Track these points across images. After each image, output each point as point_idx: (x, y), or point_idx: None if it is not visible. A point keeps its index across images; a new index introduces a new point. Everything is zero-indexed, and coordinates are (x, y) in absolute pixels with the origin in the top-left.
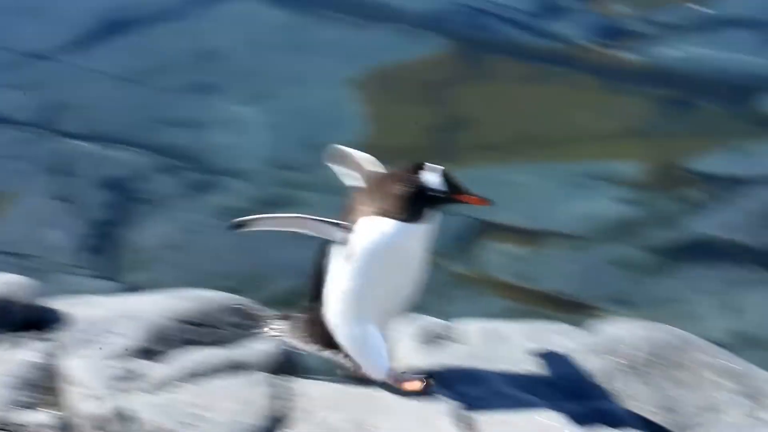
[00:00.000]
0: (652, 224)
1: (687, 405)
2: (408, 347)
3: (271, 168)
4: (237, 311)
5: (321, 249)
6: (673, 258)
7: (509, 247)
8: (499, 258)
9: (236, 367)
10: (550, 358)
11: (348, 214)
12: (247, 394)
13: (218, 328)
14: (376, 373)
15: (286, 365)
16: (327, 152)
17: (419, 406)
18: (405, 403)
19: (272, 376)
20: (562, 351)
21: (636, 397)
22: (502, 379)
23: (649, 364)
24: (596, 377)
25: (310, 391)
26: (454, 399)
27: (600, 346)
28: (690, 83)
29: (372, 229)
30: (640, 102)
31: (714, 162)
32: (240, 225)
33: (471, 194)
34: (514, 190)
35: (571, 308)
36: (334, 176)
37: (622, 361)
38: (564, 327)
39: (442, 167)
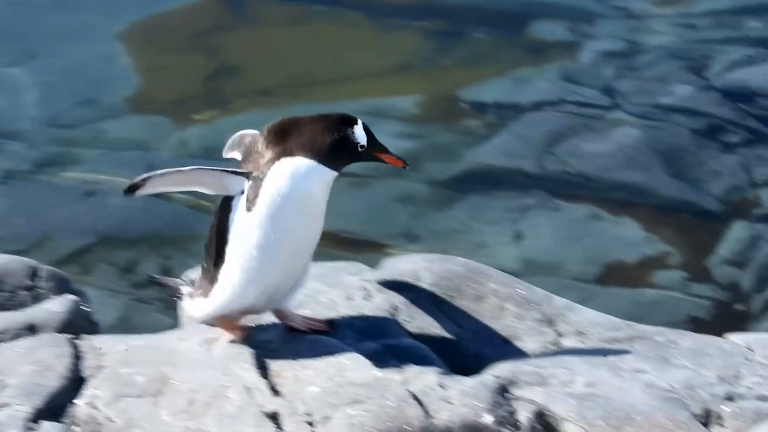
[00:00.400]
0: (433, 157)
1: (486, 336)
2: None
3: (46, 127)
4: (28, 273)
5: (220, 206)
6: (456, 189)
7: None
8: None
9: (33, 330)
10: (344, 298)
11: (247, 162)
12: (46, 356)
13: (10, 292)
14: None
15: (84, 324)
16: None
17: (220, 356)
18: (206, 354)
19: (71, 336)
20: (354, 290)
21: (431, 330)
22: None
23: (443, 297)
24: (391, 314)
25: (109, 349)
26: (254, 347)
27: (392, 282)
28: (460, 14)
29: (288, 169)
30: (413, 36)
31: (490, 91)
32: (133, 188)
33: (390, 153)
34: None
35: (359, 247)
36: (111, 131)
37: (416, 296)
38: (354, 266)
39: (364, 122)
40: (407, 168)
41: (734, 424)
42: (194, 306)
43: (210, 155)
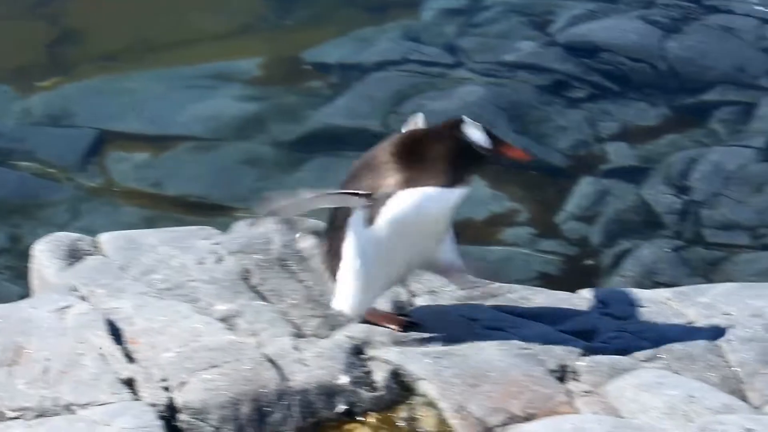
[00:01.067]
0: (278, 119)
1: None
2: (50, 266)
3: None
4: None
5: (337, 216)
6: (302, 151)
7: (137, 156)
8: (127, 168)
9: None
10: (196, 262)
11: (370, 182)
12: None
13: None
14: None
15: None
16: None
17: (74, 324)
18: (59, 323)
19: None
20: (206, 254)
21: (283, 292)
22: (152, 289)
23: (293, 259)
24: (242, 277)
25: None
26: (107, 314)
27: (242, 245)
28: None
29: (415, 199)
30: None
31: (333, 51)
32: (270, 213)
33: (514, 147)
34: (135, 97)
35: (207, 211)
36: None
37: (265, 258)
38: (204, 230)
39: (479, 122)
40: (533, 159)
41: (590, 379)
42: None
43: (55, 122)
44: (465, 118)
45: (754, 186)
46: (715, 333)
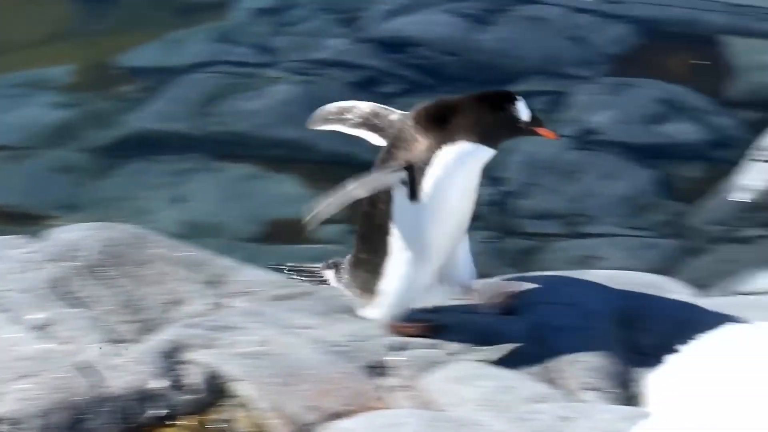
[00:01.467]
0: (89, 125)
1: (152, 302)
2: None
3: None
4: None
5: (374, 198)
6: (115, 156)
7: None
8: None
9: None
10: (9, 272)
11: (397, 149)
12: None
13: None
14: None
15: None
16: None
17: None
18: None
19: None
20: (19, 263)
21: (99, 300)
22: None
23: (108, 265)
24: (56, 285)
25: None
26: None
27: (56, 253)
28: None
29: (452, 156)
30: (61, 4)
31: (143, 55)
32: (313, 218)
33: (545, 127)
34: None
35: (20, 220)
36: None
37: (80, 265)
38: (18, 239)
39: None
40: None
41: (404, 373)
42: (369, 307)
43: None
44: (510, 91)
45: (566, 174)
46: (532, 322)
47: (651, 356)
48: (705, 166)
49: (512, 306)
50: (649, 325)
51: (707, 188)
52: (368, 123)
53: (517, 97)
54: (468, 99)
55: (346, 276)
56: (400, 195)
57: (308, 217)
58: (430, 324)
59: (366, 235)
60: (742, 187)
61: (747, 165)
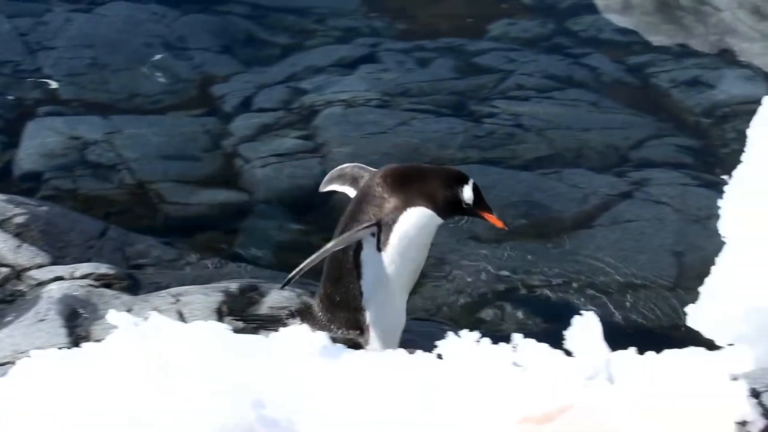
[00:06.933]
0: None
1: None
2: None
3: None
4: None
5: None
6: None
7: None
8: None
9: None
10: None
11: (368, 205)
12: None
13: None
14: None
15: None
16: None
17: None
18: None
19: None
20: None
21: None
22: None
23: None
24: None
25: None
26: None
27: None
28: None
29: (414, 218)
30: None
31: None
32: (292, 278)
33: (491, 213)
34: None
35: None
36: None
37: None
38: None
39: (475, 182)
40: (507, 229)
41: None
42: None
43: None
44: (464, 174)
45: None
46: None
47: None
48: None
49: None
50: None
51: None
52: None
53: (468, 181)
54: (429, 169)
55: (323, 319)
56: (368, 245)
57: (292, 274)
58: None
59: (337, 278)
60: None
61: None
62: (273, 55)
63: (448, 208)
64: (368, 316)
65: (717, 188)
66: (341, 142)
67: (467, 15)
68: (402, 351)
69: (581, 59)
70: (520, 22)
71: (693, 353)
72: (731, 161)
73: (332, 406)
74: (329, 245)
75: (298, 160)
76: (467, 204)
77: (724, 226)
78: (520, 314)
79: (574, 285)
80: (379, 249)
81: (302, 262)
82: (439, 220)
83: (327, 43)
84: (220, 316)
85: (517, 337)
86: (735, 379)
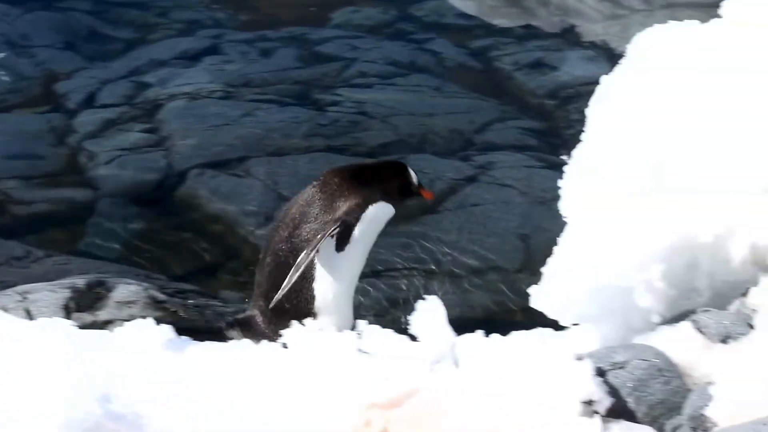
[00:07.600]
0: None
1: None
2: None
3: None
4: None
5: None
6: None
7: None
8: None
9: None
10: None
11: (330, 208)
12: None
13: None
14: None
15: None
16: None
17: None
18: None
19: None
20: None
21: None
22: None
23: None
24: None
25: None
26: None
27: None
28: None
29: (375, 213)
30: None
31: None
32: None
33: (428, 191)
34: None
35: None
36: None
37: None
38: None
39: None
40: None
41: None
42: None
43: None
44: (404, 162)
45: None
46: None
47: None
48: None
49: None
50: None
51: None
52: None
53: (408, 166)
54: (373, 166)
55: (268, 331)
56: (325, 248)
57: (276, 296)
58: None
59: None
60: None
61: None
62: (116, 49)
63: (401, 195)
64: (321, 321)
65: (561, 170)
66: (185, 135)
67: (310, 4)
68: (247, 342)
69: (424, 44)
70: (363, 10)
71: (538, 334)
72: (575, 142)
73: (178, 398)
74: (303, 256)
75: (142, 154)
76: (415, 186)
77: (565, 207)
78: (365, 300)
79: (421, 270)
80: (338, 249)
81: (150, 254)
82: (393, 210)
83: (170, 36)
84: (68, 312)
85: (362, 324)
86: (580, 358)
